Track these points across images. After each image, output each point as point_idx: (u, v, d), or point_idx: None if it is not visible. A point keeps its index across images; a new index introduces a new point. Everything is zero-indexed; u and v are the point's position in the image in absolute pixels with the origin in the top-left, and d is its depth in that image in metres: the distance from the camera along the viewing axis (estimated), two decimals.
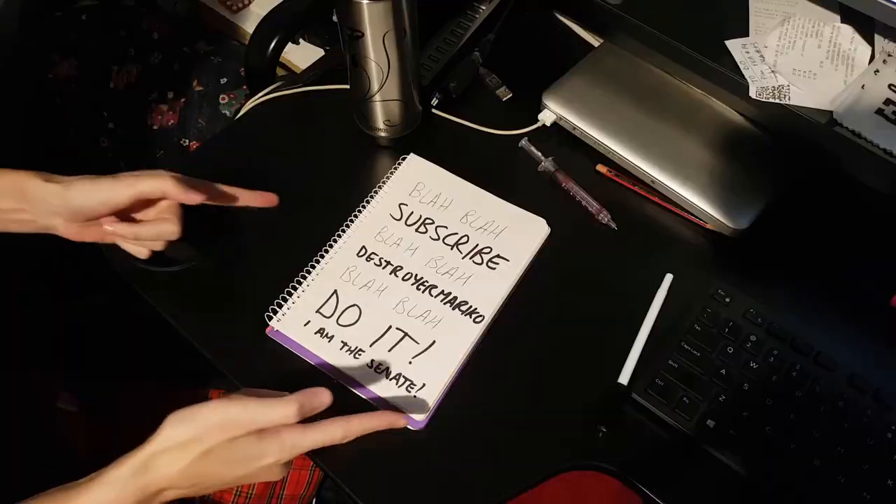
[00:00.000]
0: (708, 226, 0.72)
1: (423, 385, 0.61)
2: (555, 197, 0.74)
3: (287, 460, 0.52)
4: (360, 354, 0.63)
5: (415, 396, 0.61)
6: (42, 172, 0.59)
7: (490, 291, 0.67)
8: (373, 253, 0.69)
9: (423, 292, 0.66)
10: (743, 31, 0.70)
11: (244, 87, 1.28)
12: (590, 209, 0.73)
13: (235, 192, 0.65)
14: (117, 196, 0.59)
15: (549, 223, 0.71)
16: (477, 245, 0.69)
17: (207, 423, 0.50)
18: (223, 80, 1.30)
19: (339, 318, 0.65)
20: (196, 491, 0.51)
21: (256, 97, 0.81)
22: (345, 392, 0.62)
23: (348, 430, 0.55)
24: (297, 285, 0.67)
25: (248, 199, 0.66)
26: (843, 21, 0.69)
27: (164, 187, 0.59)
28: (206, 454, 0.49)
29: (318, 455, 0.60)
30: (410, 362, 0.63)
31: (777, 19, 0.70)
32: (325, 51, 1.31)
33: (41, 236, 0.62)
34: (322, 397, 0.54)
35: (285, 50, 0.87)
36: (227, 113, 1.28)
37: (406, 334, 0.64)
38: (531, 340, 0.66)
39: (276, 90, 0.81)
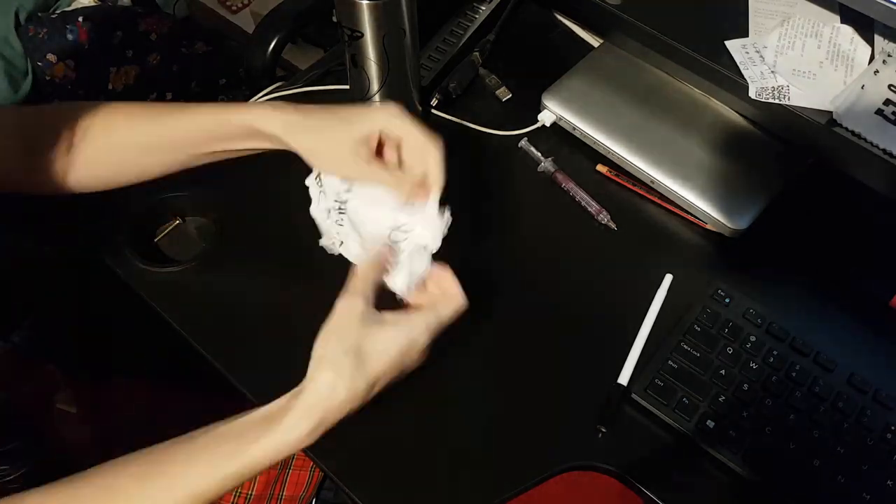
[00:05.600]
0: (708, 226, 0.72)
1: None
2: (554, 197, 0.74)
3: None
4: None
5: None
6: (283, 109, 0.56)
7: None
8: None
9: None
10: (743, 32, 0.70)
11: (243, 87, 1.28)
12: (589, 209, 0.73)
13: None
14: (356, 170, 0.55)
15: (549, 223, 0.71)
16: None
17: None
18: (222, 81, 1.30)
19: None
20: (368, 398, 0.50)
21: (256, 97, 0.81)
22: None
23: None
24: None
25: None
26: (842, 21, 0.69)
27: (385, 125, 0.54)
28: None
29: (318, 455, 0.60)
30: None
31: (777, 19, 0.70)
32: (325, 51, 1.31)
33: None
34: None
35: (285, 50, 0.87)
36: None
37: None
38: (531, 340, 0.66)
39: (276, 90, 0.81)
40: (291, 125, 0.56)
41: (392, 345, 0.49)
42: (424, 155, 0.54)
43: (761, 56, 0.68)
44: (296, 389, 0.49)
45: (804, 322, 0.65)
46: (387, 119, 0.54)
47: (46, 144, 0.58)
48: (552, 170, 0.75)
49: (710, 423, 0.60)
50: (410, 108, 0.75)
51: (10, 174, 0.59)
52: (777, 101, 0.65)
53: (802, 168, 0.73)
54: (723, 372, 0.62)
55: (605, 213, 0.72)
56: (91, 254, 0.70)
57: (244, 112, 0.57)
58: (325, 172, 0.58)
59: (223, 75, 1.30)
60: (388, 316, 0.50)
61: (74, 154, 0.59)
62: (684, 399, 0.61)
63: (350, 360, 0.48)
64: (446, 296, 0.53)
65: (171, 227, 0.72)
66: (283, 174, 0.74)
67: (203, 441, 0.48)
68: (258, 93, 0.81)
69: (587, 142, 0.76)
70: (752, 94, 0.66)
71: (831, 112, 0.64)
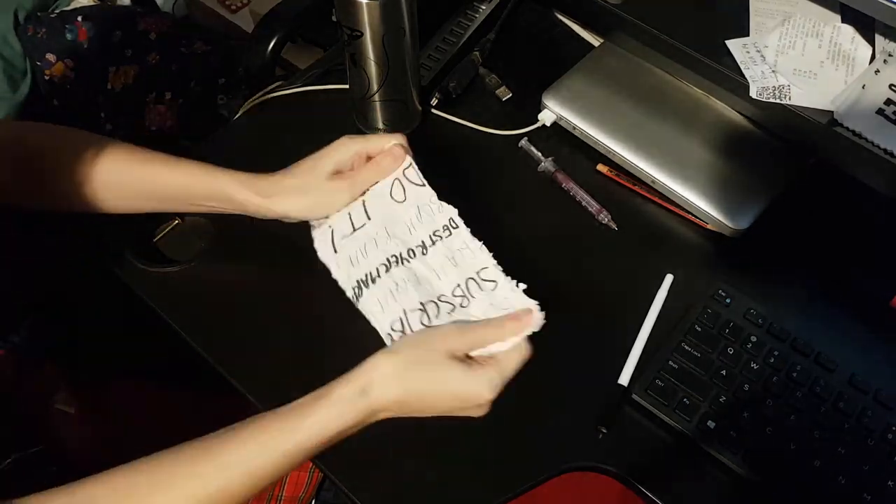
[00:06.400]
0: (708, 226, 0.72)
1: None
2: (555, 197, 0.74)
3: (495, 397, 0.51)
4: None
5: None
6: (246, 179, 0.60)
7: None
8: None
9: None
10: (743, 31, 0.70)
11: (242, 87, 1.28)
12: (590, 209, 0.73)
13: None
14: (328, 208, 0.59)
15: (549, 223, 0.71)
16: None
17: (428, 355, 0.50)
18: (221, 81, 1.30)
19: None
20: (408, 414, 0.51)
21: (255, 97, 0.81)
22: None
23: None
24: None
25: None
26: (843, 21, 0.69)
27: (355, 148, 0.58)
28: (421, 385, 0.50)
29: (317, 456, 0.60)
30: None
31: (777, 19, 0.70)
32: (325, 50, 1.31)
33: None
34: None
35: (285, 49, 0.87)
36: (226, 113, 1.27)
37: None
38: (531, 340, 0.65)
39: (276, 90, 0.81)
40: (268, 193, 0.59)
41: (458, 388, 0.49)
42: (391, 140, 0.58)
43: (762, 55, 0.68)
44: (354, 369, 0.49)
45: (805, 322, 0.65)
46: (350, 143, 0.58)
47: (33, 165, 0.60)
48: (552, 169, 0.75)
49: (711, 424, 0.60)
50: (410, 108, 0.75)
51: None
52: (778, 101, 0.65)
53: (803, 168, 0.73)
54: (723, 372, 0.62)
55: (605, 212, 0.72)
56: (90, 254, 0.70)
57: (220, 178, 0.60)
58: (320, 218, 0.60)
59: (222, 75, 1.29)
60: (474, 363, 0.50)
61: (60, 179, 0.59)
62: (685, 399, 0.61)
63: (416, 373, 0.49)
64: (516, 347, 0.52)
65: (170, 227, 0.72)
66: None
67: (258, 422, 0.49)
68: (257, 92, 0.81)
69: (587, 141, 0.76)
70: (752, 93, 0.66)
71: (832, 112, 0.64)
